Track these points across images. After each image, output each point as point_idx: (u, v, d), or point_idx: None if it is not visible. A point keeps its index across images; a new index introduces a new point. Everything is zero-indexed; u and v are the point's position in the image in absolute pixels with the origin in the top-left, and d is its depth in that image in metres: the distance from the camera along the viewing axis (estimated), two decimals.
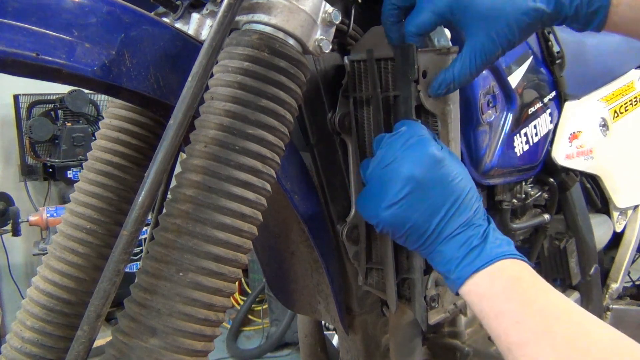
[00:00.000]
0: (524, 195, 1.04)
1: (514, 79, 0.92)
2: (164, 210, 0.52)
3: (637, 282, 1.46)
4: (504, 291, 0.56)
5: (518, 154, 0.95)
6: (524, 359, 0.52)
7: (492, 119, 0.87)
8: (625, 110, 1.25)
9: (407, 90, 0.66)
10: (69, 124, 3.26)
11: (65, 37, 0.50)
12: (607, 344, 0.51)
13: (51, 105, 3.29)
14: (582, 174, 1.14)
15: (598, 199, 1.23)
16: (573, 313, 0.55)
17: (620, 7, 0.59)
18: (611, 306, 1.25)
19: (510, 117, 0.92)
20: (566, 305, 0.55)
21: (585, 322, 0.54)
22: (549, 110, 1.03)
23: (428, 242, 0.61)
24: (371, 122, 0.71)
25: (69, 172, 3.13)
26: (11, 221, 2.71)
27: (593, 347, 0.51)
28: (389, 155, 0.62)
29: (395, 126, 0.66)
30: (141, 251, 2.46)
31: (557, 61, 1.05)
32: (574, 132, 1.10)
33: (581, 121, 1.12)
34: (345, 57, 0.74)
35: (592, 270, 1.12)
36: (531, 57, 0.98)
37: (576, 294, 1.11)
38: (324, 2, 0.59)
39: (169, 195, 0.53)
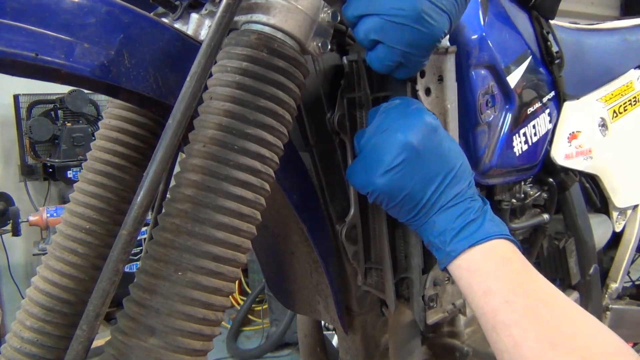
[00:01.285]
0: (523, 195, 1.04)
1: (513, 78, 0.92)
2: (163, 210, 0.52)
3: (636, 282, 1.46)
4: (496, 270, 0.56)
5: (517, 154, 0.95)
6: (508, 339, 0.52)
7: (491, 119, 0.87)
8: (625, 110, 1.25)
9: (401, 91, 0.67)
10: (69, 124, 3.26)
11: (64, 37, 0.50)
12: (590, 332, 0.52)
13: (51, 105, 3.29)
14: (581, 173, 1.14)
15: (597, 198, 1.23)
16: (560, 300, 0.56)
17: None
18: (611, 306, 1.25)
19: (509, 117, 0.92)
20: (554, 292, 0.56)
21: (571, 310, 0.55)
22: (548, 110, 1.03)
23: (422, 212, 0.61)
24: (363, 124, 0.72)
25: (69, 172, 3.13)
26: (11, 221, 2.71)
27: (578, 335, 0.52)
28: (385, 123, 0.62)
29: (390, 100, 0.66)
30: (140, 251, 2.46)
31: (556, 61, 1.05)
32: (573, 132, 1.10)
33: (580, 121, 1.12)
34: (344, 57, 0.74)
35: (592, 270, 1.12)
36: (530, 57, 0.98)
37: (575, 294, 1.11)
38: (322, 2, 0.59)
39: (168, 195, 0.53)
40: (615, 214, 1.26)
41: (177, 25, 0.67)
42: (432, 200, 0.60)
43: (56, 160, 3.15)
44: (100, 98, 3.36)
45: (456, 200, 0.60)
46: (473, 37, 0.81)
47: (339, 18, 0.60)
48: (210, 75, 0.55)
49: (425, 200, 0.60)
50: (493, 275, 0.56)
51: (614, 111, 1.22)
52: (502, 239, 0.59)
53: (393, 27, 0.57)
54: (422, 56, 0.61)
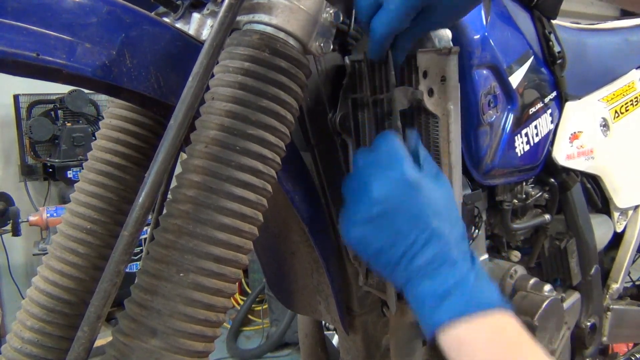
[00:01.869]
0: (524, 196, 1.03)
1: (515, 79, 0.92)
2: (165, 211, 0.52)
3: (637, 282, 1.46)
4: (487, 343, 0.52)
5: (519, 154, 0.95)
6: None
7: (493, 119, 0.87)
8: (626, 111, 1.25)
9: (391, 93, 0.67)
10: (69, 124, 3.26)
11: (65, 37, 0.50)
12: None
13: (51, 105, 3.29)
14: (583, 174, 1.14)
15: (598, 199, 1.23)
16: None
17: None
18: (611, 306, 1.25)
19: (511, 117, 0.92)
20: None
21: None
22: (549, 111, 1.03)
23: (396, 271, 0.57)
24: (366, 124, 0.71)
25: (69, 172, 3.13)
26: (11, 221, 2.71)
27: None
28: (363, 172, 0.60)
29: (375, 140, 0.64)
30: (141, 251, 2.46)
31: (558, 61, 1.05)
32: (574, 132, 1.10)
33: (582, 121, 1.12)
34: (346, 58, 0.74)
35: (593, 270, 1.12)
36: (532, 57, 0.98)
37: (576, 294, 1.11)
38: (325, 2, 0.59)
39: (169, 196, 0.53)
40: (616, 215, 1.26)
41: (178, 25, 0.67)
42: (405, 259, 0.56)
43: (56, 160, 3.15)
44: (101, 98, 3.35)
45: (436, 263, 0.55)
46: (475, 37, 0.81)
47: (341, 18, 0.60)
48: (212, 75, 0.55)
49: (398, 258, 0.56)
50: (483, 350, 0.52)
51: (616, 111, 1.22)
52: (493, 309, 0.54)
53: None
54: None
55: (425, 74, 0.67)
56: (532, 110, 0.98)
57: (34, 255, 2.94)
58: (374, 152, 0.62)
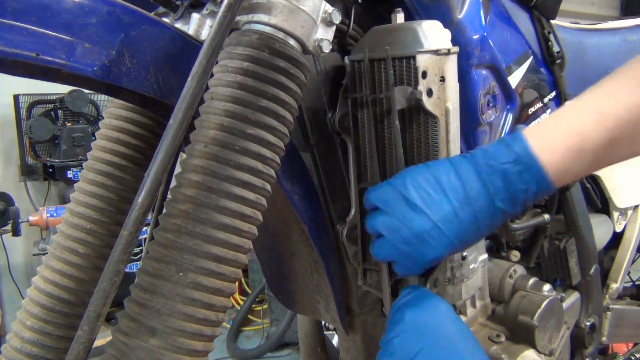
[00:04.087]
0: None
1: (514, 79, 0.92)
2: (164, 211, 0.52)
3: (637, 282, 1.46)
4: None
5: None
6: None
7: (492, 119, 0.87)
8: None
9: (389, 92, 0.67)
10: (69, 124, 3.26)
11: (65, 37, 0.50)
12: None
13: (51, 105, 3.29)
14: None
15: (598, 199, 1.23)
16: None
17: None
18: (611, 306, 1.25)
19: (510, 117, 0.92)
20: None
21: None
22: (549, 111, 1.03)
23: None
24: (365, 124, 0.72)
25: (69, 172, 3.13)
26: (11, 221, 2.71)
27: None
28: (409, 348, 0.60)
29: (402, 292, 0.66)
30: (141, 251, 2.46)
31: (557, 61, 1.05)
32: None
33: None
34: (346, 57, 0.74)
35: (592, 270, 1.12)
36: (531, 57, 0.98)
37: (576, 294, 1.11)
38: (324, 2, 0.59)
39: (169, 195, 0.53)
40: (616, 214, 1.26)
41: (178, 25, 0.67)
42: None
43: (56, 160, 3.15)
44: (101, 98, 3.36)
45: None
46: (474, 37, 0.81)
47: (340, 18, 0.60)
48: (212, 75, 0.55)
49: None
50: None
51: None
52: None
53: (395, 234, 0.62)
54: (413, 265, 0.63)
55: (424, 74, 0.67)
56: (532, 110, 0.99)
57: (34, 255, 2.94)
58: (418, 310, 0.63)
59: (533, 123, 0.65)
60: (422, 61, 0.67)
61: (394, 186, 0.63)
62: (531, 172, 0.61)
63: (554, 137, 0.61)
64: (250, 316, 3.37)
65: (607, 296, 1.26)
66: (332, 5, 0.60)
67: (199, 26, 0.65)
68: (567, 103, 0.65)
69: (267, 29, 0.56)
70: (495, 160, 0.62)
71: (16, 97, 3.19)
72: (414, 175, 0.63)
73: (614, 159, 0.63)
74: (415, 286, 0.69)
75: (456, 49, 0.70)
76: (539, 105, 1.00)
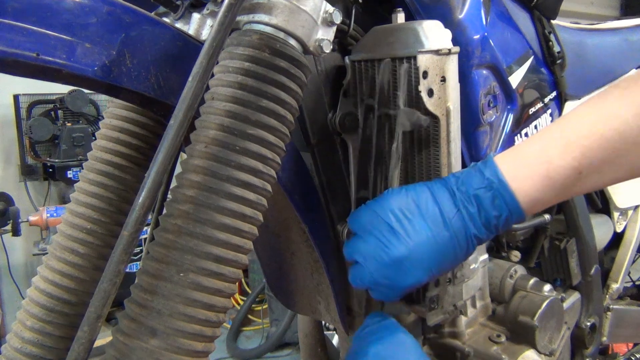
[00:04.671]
0: None
1: (515, 79, 0.92)
2: (165, 211, 0.52)
3: (637, 282, 1.46)
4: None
5: None
6: None
7: (492, 119, 0.87)
8: None
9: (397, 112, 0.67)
10: (69, 124, 3.26)
11: (65, 37, 0.50)
12: None
13: (51, 105, 3.29)
14: None
15: (598, 199, 1.23)
16: None
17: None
18: (612, 306, 1.25)
19: (511, 117, 0.92)
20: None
21: None
22: (549, 111, 1.03)
23: None
24: (367, 129, 0.72)
25: (69, 172, 3.13)
26: (11, 221, 2.71)
27: None
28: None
29: (368, 319, 0.68)
30: (141, 251, 2.46)
31: (558, 61, 1.04)
32: None
33: None
34: (346, 58, 0.74)
35: (593, 270, 1.12)
36: (532, 57, 0.98)
37: (576, 294, 1.11)
38: (324, 2, 0.59)
39: (169, 196, 0.53)
40: (616, 215, 1.26)
41: (178, 25, 0.67)
42: None
43: (56, 160, 3.15)
44: (101, 98, 3.36)
45: None
46: (475, 37, 0.81)
47: (340, 18, 0.60)
48: (212, 75, 0.55)
49: None
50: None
51: None
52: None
53: (373, 261, 0.61)
54: (390, 291, 0.63)
55: (425, 74, 0.67)
56: (532, 110, 0.98)
57: (34, 255, 2.94)
58: (383, 344, 0.63)
59: (506, 150, 0.65)
60: (423, 61, 0.67)
61: (373, 210, 0.63)
62: (503, 199, 0.61)
63: (523, 164, 0.62)
64: (250, 316, 3.37)
65: (607, 296, 1.26)
66: (332, 5, 0.60)
67: (200, 26, 0.65)
68: (536, 132, 0.66)
69: (268, 29, 0.56)
70: (468, 186, 0.62)
71: (16, 97, 3.19)
72: (393, 199, 0.63)
73: (583, 188, 0.62)
74: (381, 313, 0.69)
75: (457, 49, 0.70)
76: (539, 105, 1.00)
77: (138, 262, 2.70)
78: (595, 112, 0.60)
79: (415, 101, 0.68)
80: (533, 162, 0.61)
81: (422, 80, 0.67)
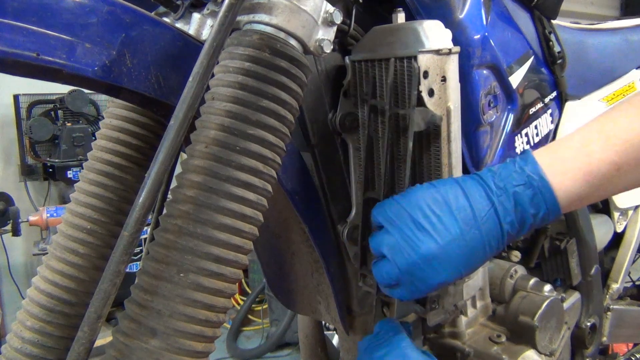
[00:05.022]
0: None
1: (515, 79, 0.92)
2: (165, 211, 0.52)
3: (637, 283, 1.46)
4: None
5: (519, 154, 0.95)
6: None
7: (493, 119, 0.87)
8: None
9: (409, 110, 0.67)
10: (69, 124, 3.27)
11: (65, 37, 0.50)
12: None
13: (51, 105, 3.29)
14: None
15: None
16: None
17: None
18: (612, 306, 1.25)
19: (511, 117, 0.92)
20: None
21: None
22: (550, 111, 1.03)
23: None
24: (370, 126, 0.71)
25: (69, 172, 3.13)
26: (11, 221, 2.71)
27: None
28: None
29: (377, 326, 0.67)
30: (141, 251, 2.46)
31: (558, 61, 1.04)
32: None
33: (582, 121, 1.11)
34: (347, 58, 0.74)
35: (593, 270, 1.12)
36: (532, 57, 0.97)
37: (577, 294, 1.11)
38: (325, 2, 0.59)
39: (169, 196, 0.53)
40: (616, 215, 1.26)
41: (178, 25, 0.67)
42: None
43: (56, 160, 3.15)
44: (101, 98, 3.36)
45: None
46: (476, 37, 0.81)
47: (341, 18, 0.60)
48: (213, 75, 0.55)
49: None
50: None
51: None
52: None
53: (400, 256, 0.59)
54: (415, 290, 0.61)
55: (425, 74, 0.67)
56: (533, 110, 0.98)
57: (34, 255, 2.94)
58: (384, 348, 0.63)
59: (542, 147, 0.65)
60: (424, 61, 0.67)
61: (401, 205, 0.61)
62: (542, 196, 0.60)
63: (563, 160, 0.61)
64: (250, 316, 3.37)
65: (607, 296, 1.26)
66: (333, 5, 0.60)
67: (200, 26, 0.65)
68: (575, 130, 0.66)
69: (268, 29, 0.56)
70: (506, 182, 0.60)
71: (16, 97, 3.19)
72: (421, 194, 0.61)
73: (619, 185, 0.62)
74: (393, 323, 0.68)
75: (457, 48, 0.70)
76: (540, 105, 1.00)
77: (138, 262, 2.70)
78: (635, 109, 0.60)
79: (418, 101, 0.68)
80: (573, 157, 0.60)
81: (422, 80, 0.67)
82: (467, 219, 0.59)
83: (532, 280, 0.94)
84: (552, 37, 1.04)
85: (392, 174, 0.72)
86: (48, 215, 2.80)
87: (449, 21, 0.76)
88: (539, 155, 0.62)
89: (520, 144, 0.95)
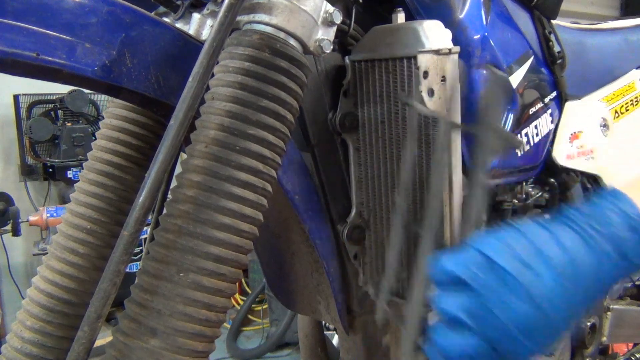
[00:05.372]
0: (524, 196, 1.03)
1: (515, 79, 0.92)
2: (165, 211, 0.52)
3: (637, 282, 1.46)
4: None
5: (519, 154, 0.95)
6: None
7: None
8: (626, 111, 1.25)
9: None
10: (69, 124, 3.26)
11: (65, 37, 0.50)
12: None
13: (51, 105, 3.29)
14: (583, 174, 1.14)
15: None
16: None
17: None
18: (611, 306, 1.25)
19: (511, 117, 0.92)
20: None
21: None
22: (549, 111, 1.03)
23: None
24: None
25: (69, 172, 3.12)
26: (11, 221, 2.71)
27: None
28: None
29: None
30: (141, 251, 2.46)
31: (558, 61, 1.04)
32: (574, 132, 1.09)
33: (582, 121, 1.12)
34: (347, 58, 0.74)
35: None
36: (532, 57, 0.97)
37: None
38: (325, 2, 0.59)
39: (169, 196, 0.53)
40: None
41: (178, 25, 0.67)
42: None
43: (56, 160, 3.15)
44: (101, 98, 3.35)
45: None
46: (475, 37, 0.81)
47: (341, 18, 0.60)
48: (213, 75, 0.55)
49: None
50: None
51: (616, 111, 1.22)
52: None
53: (488, 324, 0.47)
54: None
55: (425, 74, 0.67)
56: (532, 110, 0.98)
57: (34, 255, 2.93)
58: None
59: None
60: (424, 61, 0.67)
61: (486, 256, 0.48)
62: None
63: None
64: (250, 316, 3.37)
65: (607, 296, 1.26)
66: (332, 5, 0.60)
67: (200, 26, 0.65)
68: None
69: (268, 29, 0.56)
70: (603, 224, 0.51)
71: (16, 97, 3.19)
72: (508, 242, 0.49)
73: None
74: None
75: (457, 48, 0.70)
76: (539, 105, 1.00)
77: (138, 262, 2.70)
78: None
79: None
80: None
81: (422, 80, 0.67)
82: (568, 273, 0.49)
83: None
84: (552, 37, 1.04)
85: (392, 174, 0.72)
86: (48, 215, 2.80)
87: (449, 21, 0.76)
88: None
89: None
